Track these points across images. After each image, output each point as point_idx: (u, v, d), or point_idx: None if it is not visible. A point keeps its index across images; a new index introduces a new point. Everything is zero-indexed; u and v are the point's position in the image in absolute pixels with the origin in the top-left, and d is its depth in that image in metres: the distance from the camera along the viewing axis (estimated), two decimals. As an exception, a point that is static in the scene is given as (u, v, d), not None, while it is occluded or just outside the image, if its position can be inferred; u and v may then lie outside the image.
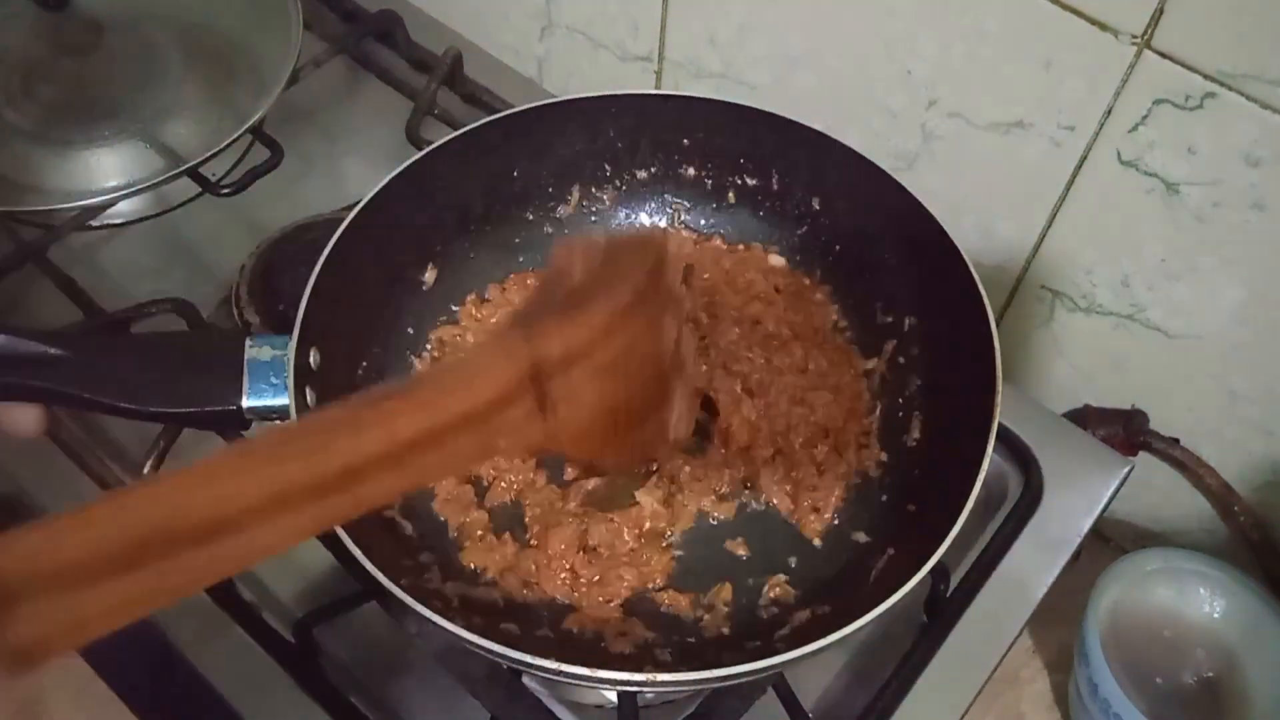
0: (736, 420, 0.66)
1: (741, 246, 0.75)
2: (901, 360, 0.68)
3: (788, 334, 0.70)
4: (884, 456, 0.66)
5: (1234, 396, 0.73)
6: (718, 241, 0.75)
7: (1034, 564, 0.69)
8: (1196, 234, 0.68)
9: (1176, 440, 0.78)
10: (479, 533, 0.63)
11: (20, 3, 0.86)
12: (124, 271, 0.82)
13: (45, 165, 0.82)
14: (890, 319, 0.69)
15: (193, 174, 0.79)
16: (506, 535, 0.63)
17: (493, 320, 0.71)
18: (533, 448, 0.57)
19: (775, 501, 0.64)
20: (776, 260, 0.74)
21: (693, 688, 0.61)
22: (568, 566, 0.61)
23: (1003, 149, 0.73)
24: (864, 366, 0.70)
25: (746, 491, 0.66)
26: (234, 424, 0.59)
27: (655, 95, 0.83)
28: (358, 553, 0.52)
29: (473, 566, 0.62)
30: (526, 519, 0.64)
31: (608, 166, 0.74)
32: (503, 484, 0.65)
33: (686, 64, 0.88)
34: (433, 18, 0.99)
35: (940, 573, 0.66)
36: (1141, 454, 0.79)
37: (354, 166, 0.90)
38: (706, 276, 0.73)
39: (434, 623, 0.50)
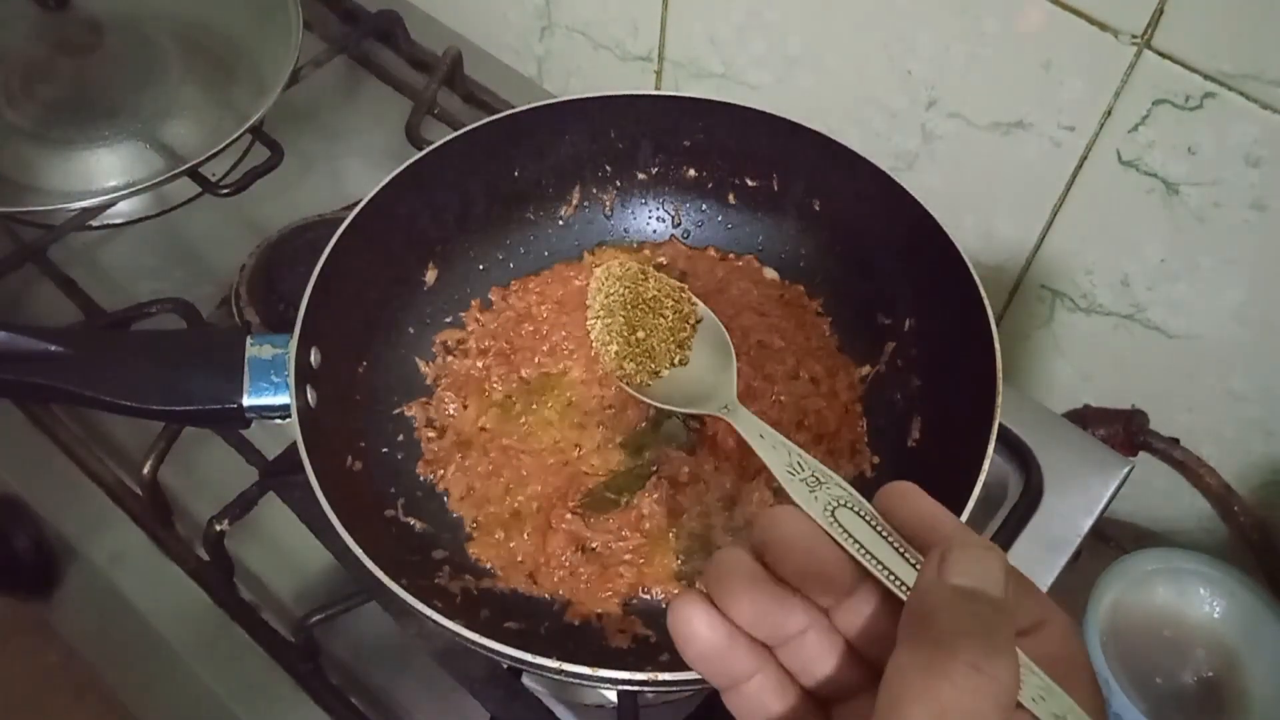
0: (722, 429, 0.66)
1: (733, 255, 0.75)
2: (901, 361, 0.68)
3: (780, 343, 0.70)
4: (879, 459, 0.66)
5: (1234, 396, 0.73)
6: (712, 251, 0.75)
7: (1034, 564, 0.69)
8: (1196, 234, 0.68)
9: (1176, 440, 0.78)
10: (490, 526, 0.63)
11: (20, 3, 0.86)
12: (124, 271, 0.82)
13: (45, 165, 0.82)
14: (890, 320, 0.69)
15: (193, 174, 0.79)
16: (512, 531, 0.63)
17: (495, 325, 0.71)
18: None
19: (751, 510, 0.64)
20: (770, 273, 0.74)
21: (693, 688, 0.61)
22: (566, 564, 0.62)
23: (1003, 149, 0.73)
24: (860, 372, 0.70)
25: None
26: (234, 422, 0.59)
27: (655, 95, 0.83)
28: (359, 552, 0.52)
29: (479, 561, 0.62)
30: (530, 516, 0.64)
31: (608, 167, 0.74)
32: (505, 482, 0.65)
33: (686, 64, 0.88)
34: (433, 18, 1.00)
35: (940, 573, 0.66)
36: (1141, 454, 0.79)
37: (354, 166, 0.90)
38: (699, 283, 0.74)
39: (435, 621, 0.50)
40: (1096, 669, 0.68)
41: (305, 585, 0.68)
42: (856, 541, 0.36)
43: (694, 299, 0.65)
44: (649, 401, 0.61)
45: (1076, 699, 0.33)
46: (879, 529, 0.37)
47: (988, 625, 0.32)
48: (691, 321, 0.64)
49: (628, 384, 0.62)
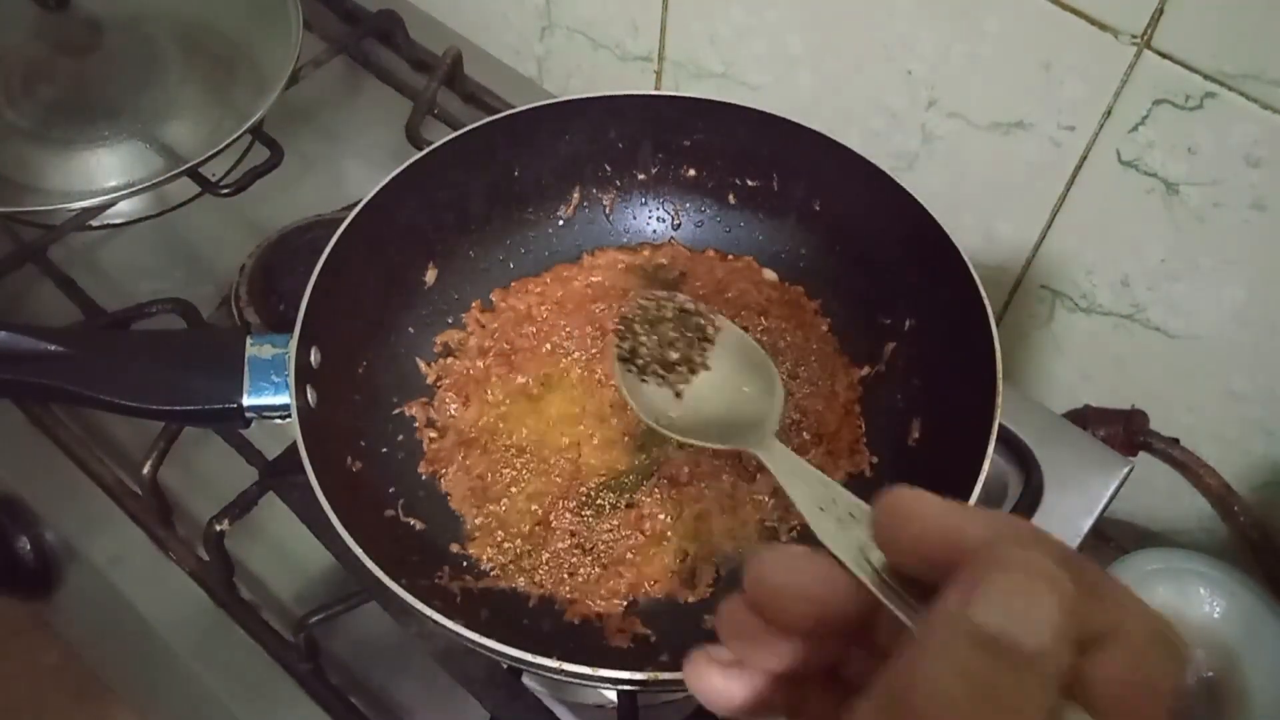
0: None
1: (732, 256, 0.75)
2: (901, 361, 0.68)
3: (782, 344, 0.70)
4: (878, 459, 0.66)
5: (1234, 396, 0.73)
6: (711, 252, 0.75)
7: (1034, 564, 0.69)
8: (1196, 234, 0.68)
9: (1176, 440, 0.78)
10: (491, 526, 0.63)
11: (20, 3, 0.86)
12: (124, 271, 0.82)
13: (45, 165, 0.82)
14: (890, 320, 0.69)
15: (193, 174, 0.79)
16: (513, 530, 0.63)
17: (495, 325, 0.71)
18: None
19: (748, 511, 0.64)
20: (770, 274, 0.74)
21: (693, 688, 0.61)
22: (566, 564, 0.62)
23: (1003, 149, 0.73)
24: (860, 372, 0.70)
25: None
26: (234, 422, 0.59)
27: (655, 96, 0.83)
28: (359, 552, 0.52)
29: (479, 561, 0.62)
30: (530, 515, 0.64)
31: (608, 167, 0.74)
32: (506, 482, 0.65)
33: (686, 64, 0.88)
34: (433, 18, 1.00)
35: (940, 573, 0.66)
36: (1141, 454, 0.79)
37: (354, 166, 0.90)
38: (699, 284, 0.74)
39: (435, 621, 0.50)
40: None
41: (305, 585, 0.68)
42: (893, 589, 0.30)
43: (710, 314, 0.59)
44: (679, 438, 0.55)
45: None
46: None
47: (995, 701, 0.24)
48: (702, 334, 0.58)
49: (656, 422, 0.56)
